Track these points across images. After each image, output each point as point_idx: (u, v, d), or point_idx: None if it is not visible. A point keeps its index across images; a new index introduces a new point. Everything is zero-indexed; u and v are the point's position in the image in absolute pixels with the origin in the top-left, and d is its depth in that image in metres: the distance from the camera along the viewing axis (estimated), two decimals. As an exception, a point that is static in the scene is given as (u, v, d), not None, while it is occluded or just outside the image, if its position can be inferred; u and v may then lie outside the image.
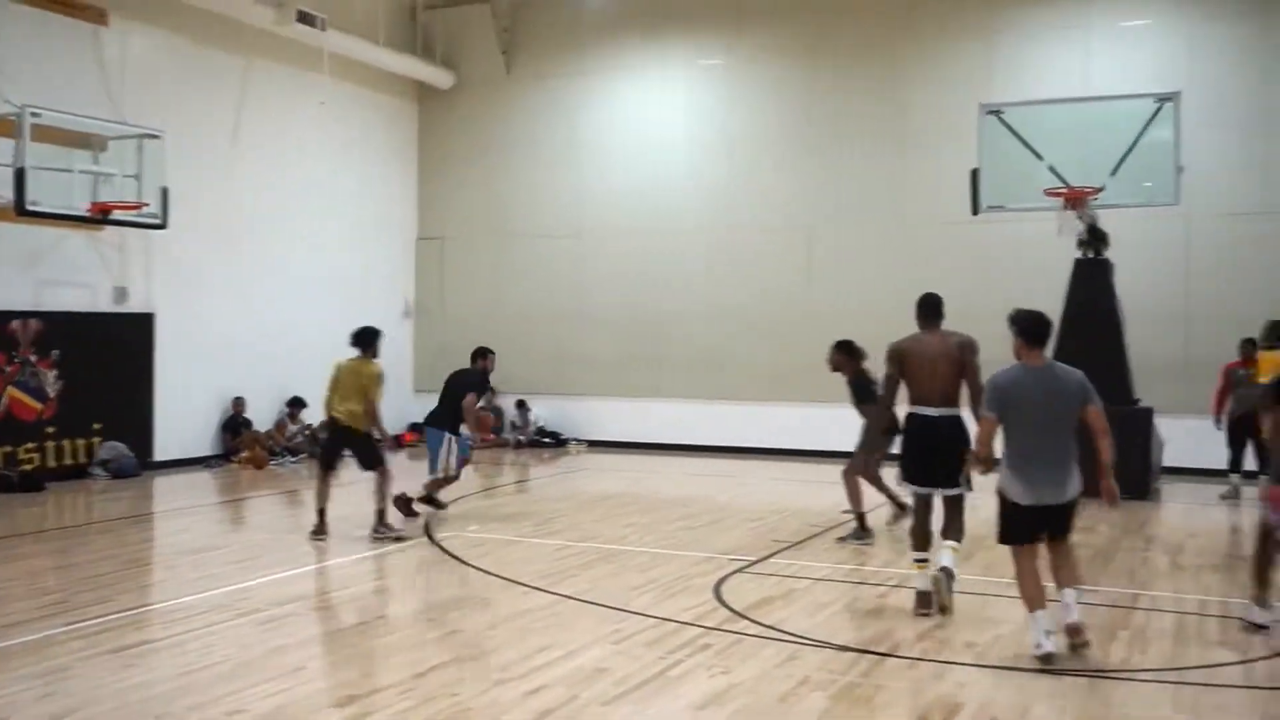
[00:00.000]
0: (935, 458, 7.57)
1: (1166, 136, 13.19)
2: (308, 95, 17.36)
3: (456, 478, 11.77)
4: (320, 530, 10.12)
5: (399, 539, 10.12)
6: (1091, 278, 13.55)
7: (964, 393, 7.58)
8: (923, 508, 7.68)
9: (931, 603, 7.40)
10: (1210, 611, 7.67)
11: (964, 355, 7.70)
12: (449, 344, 20.12)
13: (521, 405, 19.12)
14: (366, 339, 10.48)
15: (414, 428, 19.52)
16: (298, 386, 16.74)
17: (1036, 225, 14.49)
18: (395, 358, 19.67)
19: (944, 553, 7.47)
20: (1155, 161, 13.31)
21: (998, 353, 7.17)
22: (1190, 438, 13.92)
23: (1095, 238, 13.59)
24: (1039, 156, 13.56)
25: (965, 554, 9.18)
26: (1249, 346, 12.99)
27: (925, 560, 7.50)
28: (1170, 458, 13.80)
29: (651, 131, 18.78)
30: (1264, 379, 10.42)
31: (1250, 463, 12.98)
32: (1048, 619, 6.31)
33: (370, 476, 10.42)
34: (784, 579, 8.58)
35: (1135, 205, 13.68)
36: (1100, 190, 13.23)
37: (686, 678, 6.04)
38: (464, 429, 11.96)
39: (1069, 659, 6.27)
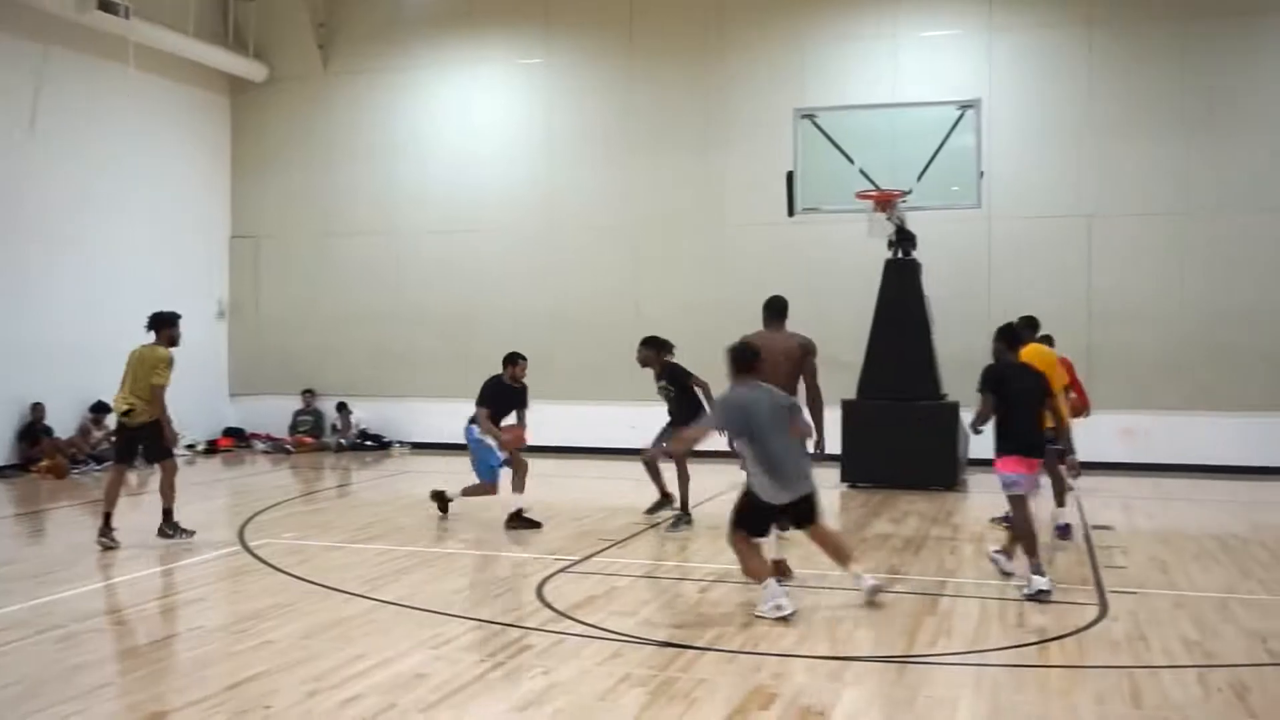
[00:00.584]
0: None
1: (969, 142, 13.84)
2: (112, 86, 16.63)
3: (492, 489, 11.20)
4: (106, 533, 9.70)
5: (188, 535, 9.95)
6: (901, 277, 14.09)
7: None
8: None
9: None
10: (1010, 596, 8.05)
11: (804, 355, 8.70)
12: (265, 345, 19.61)
13: (342, 408, 18.73)
14: (157, 323, 10.13)
15: (229, 433, 18.94)
16: (103, 391, 15.97)
17: (849, 227, 14.96)
18: (210, 360, 19.07)
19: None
20: (959, 166, 13.96)
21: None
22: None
23: (904, 239, 14.14)
24: (850, 160, 14.04)
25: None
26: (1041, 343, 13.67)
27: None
28: (975, 449, 14.41)
29: (471, 129, 18.64)
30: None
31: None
32: (776, 586, 7.29)
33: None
34: (607, 577, 8.63)
35: (941, 208, 14.32)
36: (908, 193, 13.77)
37: (507, 680, 6.02)
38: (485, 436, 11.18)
39: (870, 620, 6.50)
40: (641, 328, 17.10)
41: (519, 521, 10.75)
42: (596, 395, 17.63)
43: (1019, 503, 8.28)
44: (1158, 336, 15.71)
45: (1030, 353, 9.67)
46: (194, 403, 18.12)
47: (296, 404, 19.02)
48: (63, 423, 15.84)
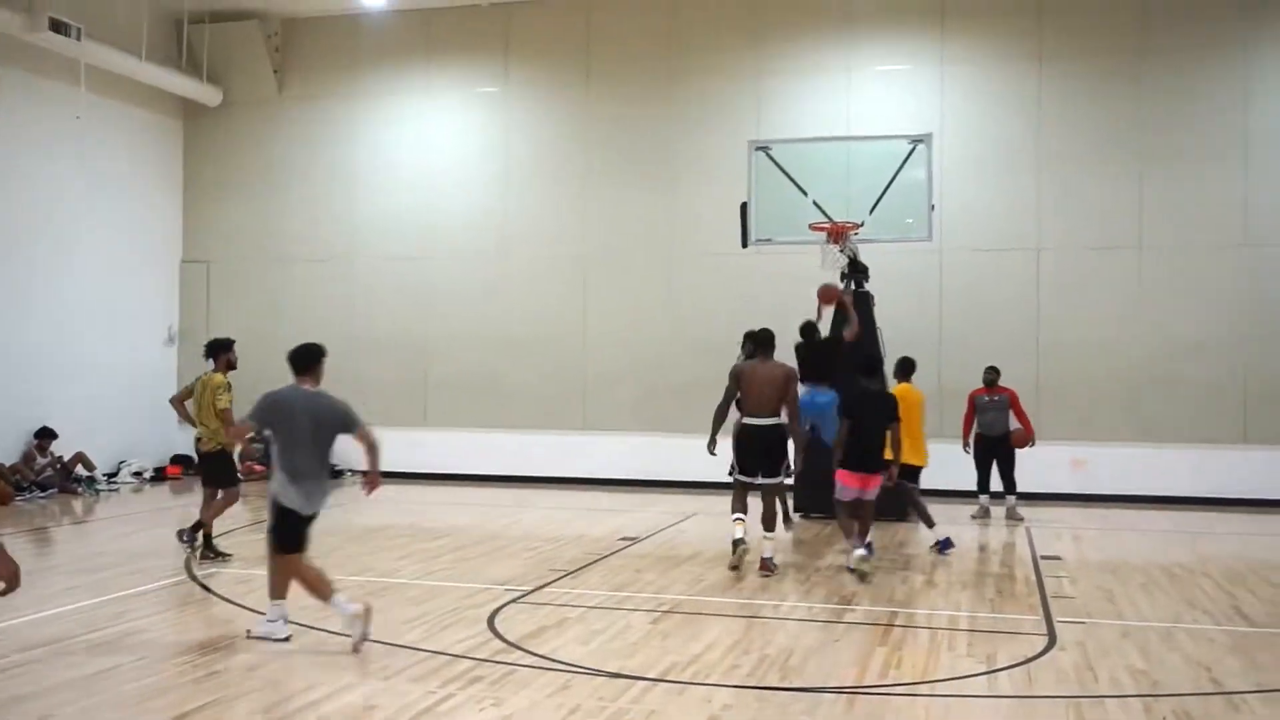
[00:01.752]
0: (757, 455, 10.00)
1: (921, 175, 14.01)
2: (63, 109, 16.45)
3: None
4: (208, 553, 10.56)
5: (222, 559, 10.52)
6: (854, 309, 14.17)
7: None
8: (742, 490, 10.10)
9: (735, 552, 9.95)
10: (960, 626, 8.10)
11: (787, 382, 10.16)
12: (216, 372, 19.38)
13: (293, 435, 18.51)
14: (213, 349, 11.00)
15: (178, 460, 18.69)
16: (48, 416, 15.77)
17: (803, 258, 15.06)
18: (159, 387, 18.82)
19: (765, 544, 9.97)
20: (911, 199, 14.12)
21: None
22: (941, 461, 14.69)
23: (857, 270, 14.26)
24: (804, 192, 14.15)
25: (735, 577, 9.50)
26: (992, 374, 13.91)
27: (741, 519, 10.01)
28: (923, 480, 14.53)
29: (427, 156, 18.61)
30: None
31: (996, 484, 13.87)
32: (283, 609, 7.55)
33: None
34: (558, 608, 8.59)
35: (893, 240, 14.46)
36: (861, 225, 13.90)
37: (456, 712, 5.96)
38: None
39: (821, 651, 6.50)
40: (593, 357, 17.21)
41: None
42: (548, 424, 17.61)
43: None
44: (1106, 368, 15.93)
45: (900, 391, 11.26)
46: (143, 429, 17.94)
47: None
48: (5, 449, 15.57)
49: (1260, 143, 15.67)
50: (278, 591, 7.54)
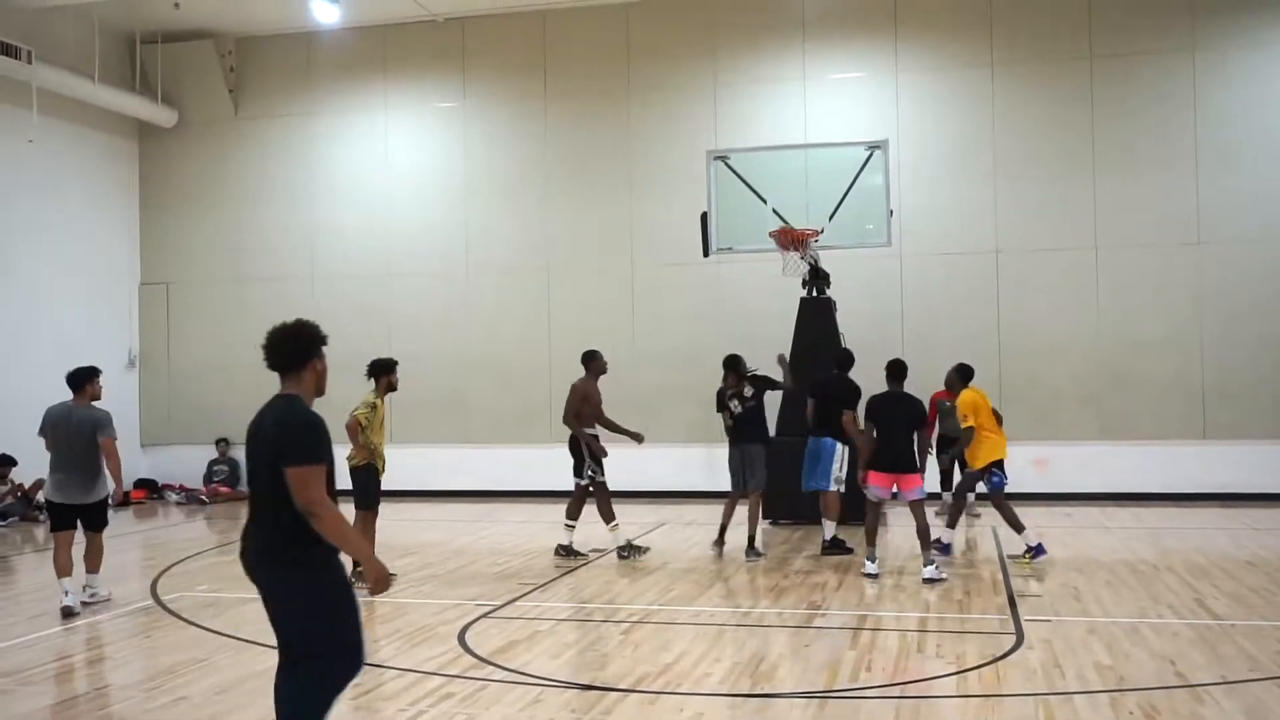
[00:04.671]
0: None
1: (879, 181, 14.14)
2: (15, 132, 16.28)
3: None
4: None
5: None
6: (816, 315, 14.27)
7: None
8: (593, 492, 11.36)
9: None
10: (929, 627, 8.16)
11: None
12: (177, 394, 19.27)
13: (257, 456, 18.38)
14: (374, 370, 10.82)
15: (141, 484, 18.51)
16: (7, 443, 15.57)
17: (765, 266, 15.14)
18: (120, 410, 18.53)
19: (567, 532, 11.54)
20: (870, 205, 14.25)
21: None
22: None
23: (818, 277, 14.35)
24: (764, 200, 14.24)
25: (704, 585, 9.54)
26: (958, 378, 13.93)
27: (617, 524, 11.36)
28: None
29: (387, 173, 18.57)
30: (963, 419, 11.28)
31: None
32: (72, 583, 9.23)
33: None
34: (529, 621, 8.58)
35: (853, 246, 14.58)
36: (820, 232, 13.99)
37: (429, 729, 5.95)
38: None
39: (792, 656, 6.52)
40: (556, 369, 17.23)
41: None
42: (514, 438, 17.57)
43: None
44: (1065, 368, 16.11)
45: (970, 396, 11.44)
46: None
47: (211, 453, 18.68)
48: (-35, 478, 15.37)
49: (1209, 143, 15.90)
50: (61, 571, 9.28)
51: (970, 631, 8.03)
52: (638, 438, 11.88)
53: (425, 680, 6.87)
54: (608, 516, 11.41)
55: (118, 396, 18.49)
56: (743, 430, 11.60)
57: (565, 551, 11.52)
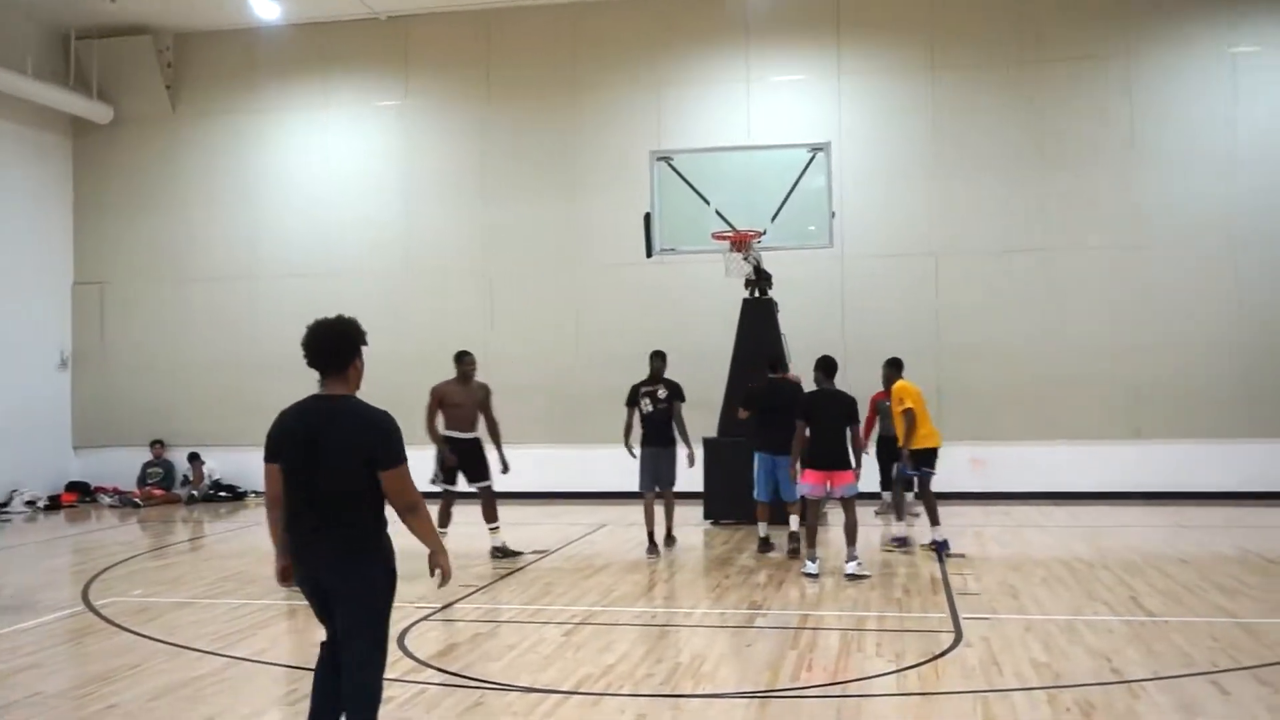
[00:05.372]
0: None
1: (821, 183, 14.23)
2: (-59, 128, 15.92)
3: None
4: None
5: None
6: (758, 316, 14.33)
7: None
8: (451, 500, 11.42)
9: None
10: (869, 626, 8.21)
11: (485, 397, 11.58)
12: (111, 395, 18.91)
13: (194, 458, 18.14)
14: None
15: (73, 487, 18.16)
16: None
17: (707, 267, 15.18)
18: (52, 412, 18.31)
19: (494, 535, 11.45)
20: (812, 206, 14.34)
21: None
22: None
23: (760, 278, 14.41)
24: (707, 201, 14.28)
25: (645, 586, 9.55)
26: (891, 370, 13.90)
27: (445, 533, 10.82)
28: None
29: (329, 171, 18.38)
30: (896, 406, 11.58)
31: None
32: None
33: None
34: (470, 624, 8.52)
35: (795, 247, 14.67)
36: (763, 233, 14.05)
37: (367, 733, 5.86)
38: None
39: (733, 657, 6.53)
40: (498, 370, 17.12)
41: None
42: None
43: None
44: (1003, 369, 16.31)
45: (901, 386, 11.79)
46: (35, 457, 17.42)
47: (145, 455, 18.36)
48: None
49: (1145, 147, 16.19)
50: None
51: (910, 630, 8.09)
52: (502, 467, 11.55)
53: (364, 684, 6.77)
54: (442, 521, 11.20)
55: (49, 397, 18.21)
56: (658, 431, 11.80)
57: (501, 553, 11.46)
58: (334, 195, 18.32)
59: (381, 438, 4.79)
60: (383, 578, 4.90)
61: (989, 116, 16.61)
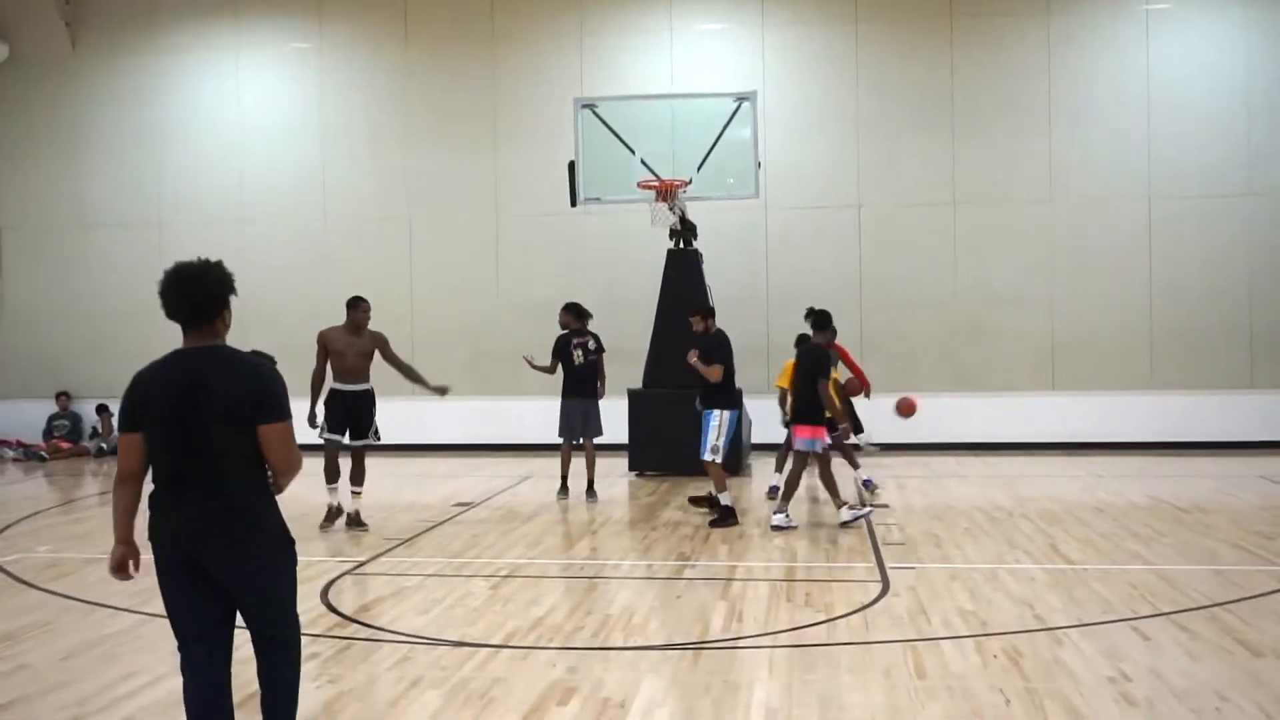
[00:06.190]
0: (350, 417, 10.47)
1: (746, 134, 14.13)
2: None
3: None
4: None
5: None
6: (682, 266, 14.24)
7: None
8: (335, 451, 10.35)
9: (333, 517, 10.33)
10: (798, 577, 8.22)
11: (380, 347, 10.76)
12: (13, 345, 18.31)
13: (103, 410, 17.63)
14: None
15: (-27, 440, 17.54)
16: None
17: (632, 217, 15.02)
18: (-52, 363, 17.61)
19: (353, 500, 10.38)
20: (738, 157, 14.25)
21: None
22: (773, 415, 14.94)
23: (685, 228, 14.30)
24: (632, 150, 14.12)
25: (573, 538, 9.48)
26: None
27: (335, 488, 10.32)
28: (757, 435, 14.75)
29: (239, 116, 17.82)
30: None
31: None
32: None
33: None
34: (394, 578, 8.37)
35: (720, 198, 14.57)
36: (688, 183, 13.93)
37: (292, 691, 5.71)
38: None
39: (664, 609, 6.50)
40: (420, 321, 16.85)
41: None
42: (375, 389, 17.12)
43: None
44: (924, 321, 16.45)
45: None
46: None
47: (51, 407, 17.78)
48: None
49: (1062, 104, 16.34)
50: None
51: (838, 580, 8.11)
52: (441, 391, 10.88)
53: (287, 641, 6.61)
54: (330, 476, 10.37)
55: (-52, 348, 17.51)
56: (584, 383, 11.87)
57: (354, 522, 10.36)
58: (245, 140, 17.77)
59: (265, 388, 4.13)
60: (288, 554, 4.32)
61: (911, 69, 16.62)
